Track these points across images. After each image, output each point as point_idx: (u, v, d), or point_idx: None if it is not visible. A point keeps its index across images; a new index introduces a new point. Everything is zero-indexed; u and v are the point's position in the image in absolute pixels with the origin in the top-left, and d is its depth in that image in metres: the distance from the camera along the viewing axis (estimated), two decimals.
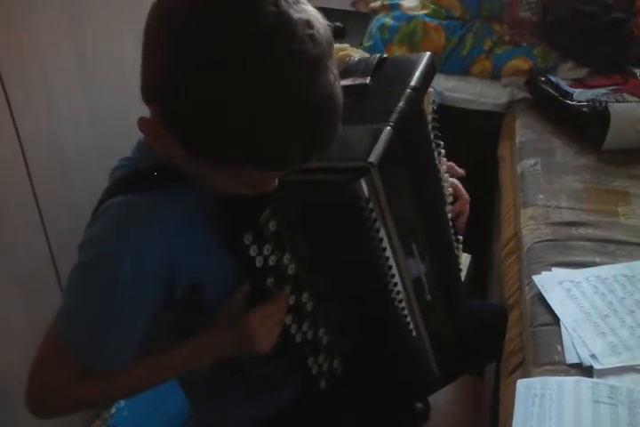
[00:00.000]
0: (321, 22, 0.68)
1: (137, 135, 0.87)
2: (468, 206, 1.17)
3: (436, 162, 1.07)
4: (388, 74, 0.99)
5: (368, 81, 0.95)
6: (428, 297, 1.00)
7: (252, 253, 0.81)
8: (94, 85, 1.38)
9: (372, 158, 0.81)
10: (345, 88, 0.72)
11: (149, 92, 0.72)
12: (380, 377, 1.07)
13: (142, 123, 0.74)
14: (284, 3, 0.65)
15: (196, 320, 0.88)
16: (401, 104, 0.89)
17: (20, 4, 1.19)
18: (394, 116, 0.87)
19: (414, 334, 0.99)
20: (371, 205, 0.83)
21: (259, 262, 0.82)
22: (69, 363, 0.81)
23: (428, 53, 1.01)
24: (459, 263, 1.20)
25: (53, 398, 0.84)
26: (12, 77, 1.20)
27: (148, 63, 0.71)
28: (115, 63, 1.41)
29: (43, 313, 1.34)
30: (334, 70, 0.69)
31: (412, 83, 0.94)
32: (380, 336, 1.01)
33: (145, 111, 0.83)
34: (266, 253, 0.83)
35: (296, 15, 0.66)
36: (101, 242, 0.78)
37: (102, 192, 0.83)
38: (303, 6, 0.68)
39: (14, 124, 1.21)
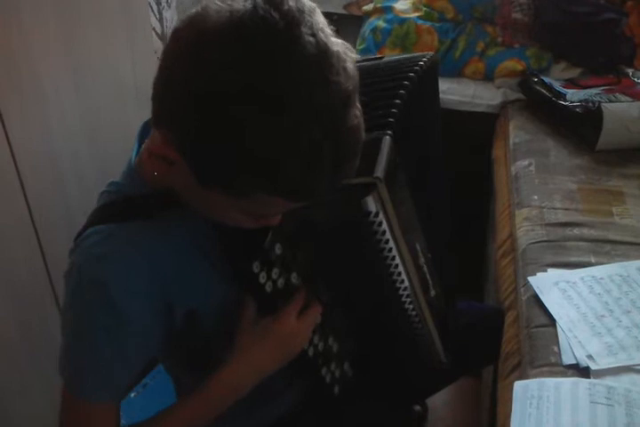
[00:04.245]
0: (349, 55, 0.68)
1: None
2: None
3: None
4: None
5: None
6: (433, 292, 1.00)
7: (262, 279, 0.80)
8: (88, 90, 1.37)
9: (378, 173, 0.79)
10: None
11: (166, 117, 0.69)
12: (389, 376, 1.07)
13: (153, 148, 0.72)
14: (321, 34, 0.65)
15: (200, 352, 0.87)
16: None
17: (9, 6, 1.18)
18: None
19: (424, 331, 1.00)
20: (379, 218, 0.81)
21: (269, 287, 0.81)
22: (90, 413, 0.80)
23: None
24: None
25: None
26: (2, 83, 1.19)
27: (166, 89, 0.67)
28: (108, 67, 1.40)
29: (36, 326, 1.33)
30: (358, 103, 0.69)
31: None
32: (390, 337, 1.02)
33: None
34: (274, 277, 0.81)
35: (334, 47, 0.65)
36: (84, 269, 0.75)
37: (87, 219, 0.81)
38: (334, 39, 0.67)
39: (5, 132, 1.20)
